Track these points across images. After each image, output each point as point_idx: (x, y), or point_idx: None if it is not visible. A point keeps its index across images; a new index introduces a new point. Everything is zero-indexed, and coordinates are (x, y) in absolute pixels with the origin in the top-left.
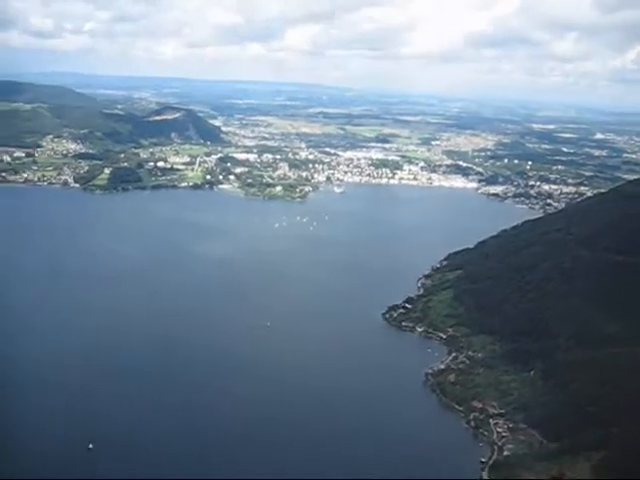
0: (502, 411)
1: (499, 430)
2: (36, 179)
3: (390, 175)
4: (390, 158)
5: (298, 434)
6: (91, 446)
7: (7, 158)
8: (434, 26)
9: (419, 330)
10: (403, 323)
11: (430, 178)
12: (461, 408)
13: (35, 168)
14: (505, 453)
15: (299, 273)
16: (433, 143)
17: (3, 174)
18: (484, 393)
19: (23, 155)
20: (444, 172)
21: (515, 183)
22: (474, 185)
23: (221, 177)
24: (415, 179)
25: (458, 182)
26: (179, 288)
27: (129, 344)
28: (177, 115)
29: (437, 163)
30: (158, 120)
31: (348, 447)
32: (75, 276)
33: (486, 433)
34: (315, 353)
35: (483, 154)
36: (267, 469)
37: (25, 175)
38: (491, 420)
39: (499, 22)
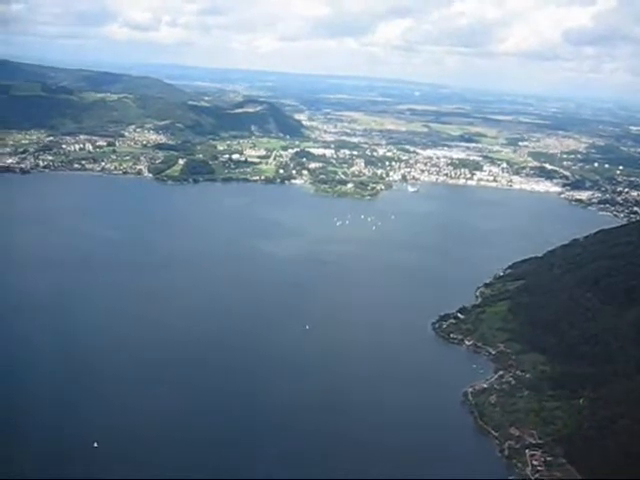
0: (541, 441)
1: (535, 463)
2: (112, 168)
3: (468, 176)
4: (471, 158)
5: (324, 446)
6: None
7: (89, 147)
8: (531, 22)
9: (467, 343)
10: (452, 334)
11: (511, 180)
12: (497, 434)
13: (114, 157)
14: None
15: (350, 276)
16: (520, 144)
17: (83, 162)
18: (524, 419)
19: (105, 144)
20: (527, 174)
21: (602, 189)
22: (557, 189)
23: (294, 172)
24: (495, 181)
25: (540, 185)
26: (225, 282)
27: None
28: (258, 108)
29: (521, 165)
30: (239, 113)
31: (365, 462)
32: (127, 265)
33: (520, 465)
34: (352, 361)
35: (573, 157)
36: None
37: (103, 164)
38: (527, 451)
39: (600, 18)
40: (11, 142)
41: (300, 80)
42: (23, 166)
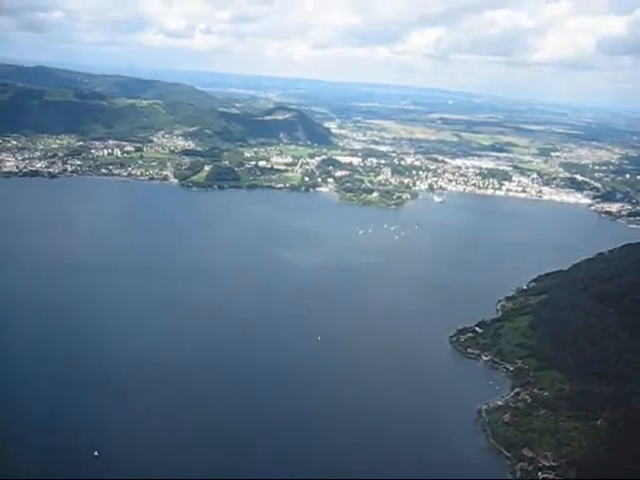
0: (554, 464)
1: None
2: (139, 173)
3: (497, 186)
4: (501, 168)
5: (333, 457)
6: None
7: (117, 152)
8: (565, 31)
9: (484, 359)
10: (469, 349)
11: (540, 191)
12: (509, 454)
13: (141, 163)
14: None
15: (368, 286)
16: (552, 154)
17: (110, 167)
18: (539, 440)
19: (133, 150)
20: (557, 185)
21: (633, 200)
22: (587, 201)
23: (320, 180)
24: (524, 191)
25: (570, 197)
26: (241, 291)
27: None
28: (287, 116)
29: (552, 176)
30: (268, 120)
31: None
32: (145, 271)
33: None
34: (363, 374)
35: (605, 168)
36: None
37: (129, 169)
38: (540, 474)
39: (636, 27)
40: (41, 146)
41: (332, 88)
42: (51, 170)
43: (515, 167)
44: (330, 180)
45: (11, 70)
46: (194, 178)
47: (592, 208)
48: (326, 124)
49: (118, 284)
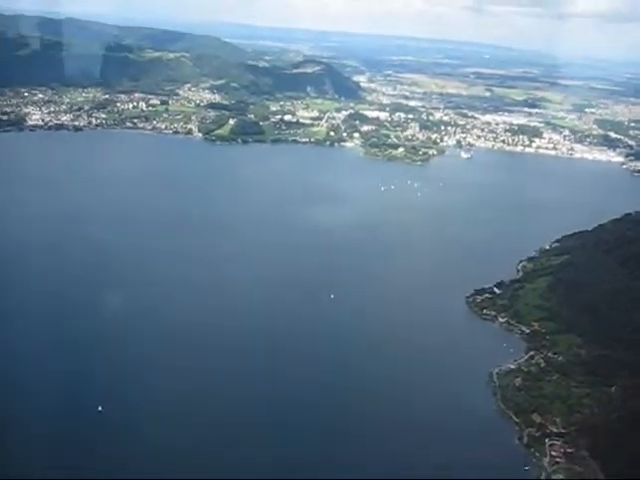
0: (564, 431)
1: (553, 454)
2: (163, 127)
3: (527, 143)
4: (532, 124)
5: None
6: None
7: (143, 106)
8: None
9: (501, 320)
10: (485, 310)
11: (572, 148)
12: (518, 419)
13: (166, 116)
14: None
15: (384, 246)
16: (586, 110)
17: (135, 121)
18: (549, 406)
19: (158, 103)
20: (589, 143)
21: None
22: (620, 159)
23: (345, 134)
24: (554, 149)
25: (602, 155)
26: (256, 246)
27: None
28: (315, 69)
29: (585, 133)
30: (296, 73)
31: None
32: (164, 226)
33: (537, 455)
34: (375, 334)
35: None
36: None
37: (154, 123)
38: (547, 440)
39: None
40: (67, 100)
41: (365, 41)
42: (76, 124)
43: (547, 123)
44: (356, 135)
45: (39, 22)
46: (218, 132)
47: (625, 167)
48: (356, 78)
49: (135, 240)
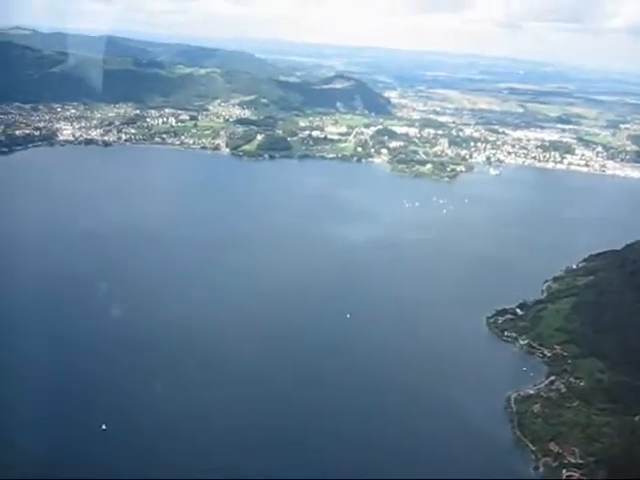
0: (581, 461)
1: None
2: (191, 142)
3: (558, 159)
4: (564, 140)
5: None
6: None
7: (172, 121)
8: None
9: (521, 343)
10: (506, 332)
11: (604, 165)
12: (534, 448)
13: (194, 131)
14: None
15: (406, 264)
16: (621, 126)
17: (164, 136)
18: (567, 434)
19: (188, 118)
20: (622, 160)
21: None
22: None
23: (373, 150)
24: (586, 165)
25: (635, 172)
26: (278, 262)
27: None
28: (346, 84)
29: (618, 149)
30: (326, 89)
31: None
32: (190, 242)
33: None
34: (390, 354)
35: None
36: None
37: (182, 138)
38: (564, 471)
39: None
40: (99, 115)
41: (399, 56)
42: (106, 139)
43: (580, 139)
44: (384, 151)
45: (76, 40)
46: (245, 147)
47: None
48: (387, 93)
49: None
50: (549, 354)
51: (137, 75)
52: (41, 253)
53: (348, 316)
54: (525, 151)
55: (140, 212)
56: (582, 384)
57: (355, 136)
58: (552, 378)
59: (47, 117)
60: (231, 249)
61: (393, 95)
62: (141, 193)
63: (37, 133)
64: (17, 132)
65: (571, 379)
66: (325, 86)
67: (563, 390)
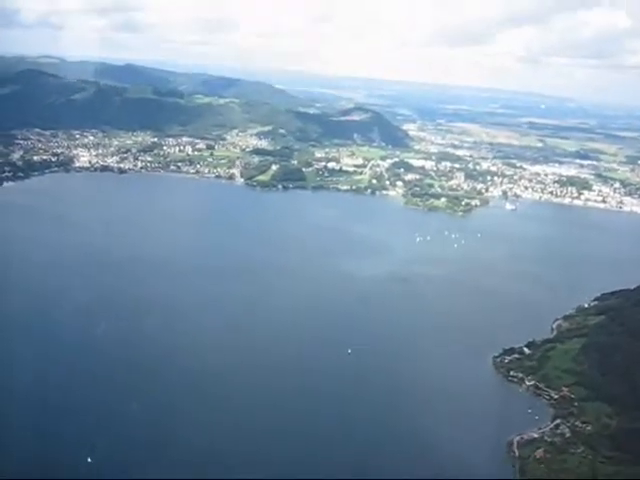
0: None
1: None
2: (206, 171)
3: (575, 195)
4: (582, 176)
5: None
6: None
7: (189, 149)
8: None
9: (528, 384)
10: (512, 372)
11: (621, 202)
12: None
13: (210, 160)
14: None
15: (413, 299)
16: None
17: (179, 164)
18: None
19: (204, 147)
20: None
21: None
22: None
23: (388, 183)
24: (603, 201)
25: None
26: (281, 296)
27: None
28: (363, 116)
29: (636, 185)
30: (343, 121)
31: None
32: (193, 271)
33: None
34: (393, 391)
35: None
36: None
37: (198, 167)
38: None
39: None
40: (116, 143)
41: (421, 89)
42: (121, 166)
43: (598, 175)
44: (399, 184)
45: (101, 68)
46: (260, 177)
47: None
48: (406, 126)
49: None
50: (555, 396)
51: (156, 104)
52: (47, 280)
53: (349, 351)
54: (542, 186)
55: (143, 240)
56: (588, 429)
57: (371, 168)
58: (557, 421)
59: (65, 144)
60: (237, 279)
61: (412, 128)
62: (147, 221)
63: (54, 159)
64: (35, 158)
65: (577, 423)
66: (343, 118)
67: (568, 435)
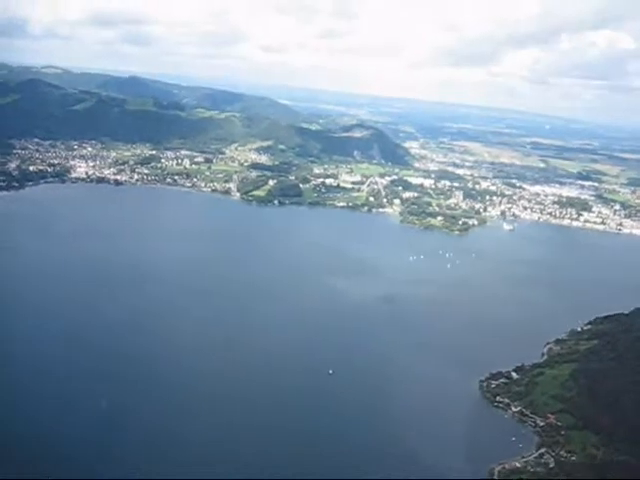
0: None
1: None
2: (203, 185)
3: (574, 216)
4: (582, 197)
5: None
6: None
7: (187, 163)
8: None
9: (513, 410)
10: (498, 397)
11: (620, 224)
12: None
13: (208, 174)
14: None
15: (401, 321)
16: None
17: (176, 177)
18: None
19: (202, 161)
20: None
21: None
22: None
23: (385, 200)
24: (602, 223)
25: None
26: (267, 319)
27: None
28: (364, 133)
29: (637, 207)
30: (344, 137)
31: None
32: (179, 288)
33: None
34: (375, 413)
35: None
36: None
37: (194, 180)
38: None
39: None
40: (114, 154)
41: (427, 108)
42: (118, 178)
43: (598, 197)
44: (396, 201)
45: (105, 80)
46: (256, 192)
47: None
48: (408, 144)
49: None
50: (541, 424)
51: (156, 116)
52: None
53: (331, 372)
54: (541, 206)
55: (125, 252)
56: (573, 459)
57: (369, 185)
58: (542, 450)
59: (63, 154)
60: (225, 297)
61: (414, 146)
62: (136, 234)
63: (50, 169)
64: (31, 167)
65: (562, 452)
66: (344, 134)
67: (551, 465)
